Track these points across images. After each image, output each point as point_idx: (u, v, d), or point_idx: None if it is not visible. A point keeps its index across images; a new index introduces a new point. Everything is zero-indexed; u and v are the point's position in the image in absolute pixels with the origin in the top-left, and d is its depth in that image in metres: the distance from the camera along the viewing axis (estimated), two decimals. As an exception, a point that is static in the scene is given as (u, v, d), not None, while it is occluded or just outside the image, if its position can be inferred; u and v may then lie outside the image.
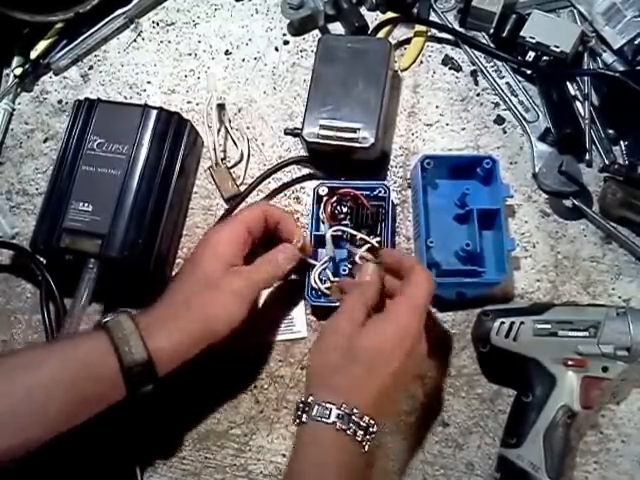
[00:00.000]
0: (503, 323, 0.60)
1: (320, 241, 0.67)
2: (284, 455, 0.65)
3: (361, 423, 0.50)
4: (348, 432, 0.50)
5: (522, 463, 0.57)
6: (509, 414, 0.62)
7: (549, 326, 0.59)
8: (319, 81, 0.71)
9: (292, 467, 0.52)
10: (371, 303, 0.56)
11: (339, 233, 0.65)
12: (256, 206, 0.66)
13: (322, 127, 0.69)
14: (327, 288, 0.65)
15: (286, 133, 0.74)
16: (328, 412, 0.50)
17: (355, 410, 0.50)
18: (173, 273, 0.71)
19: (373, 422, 0.51)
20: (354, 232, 0.65)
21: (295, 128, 0.73)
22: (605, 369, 0.58)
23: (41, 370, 0.52)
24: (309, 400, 0.52)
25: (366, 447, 0.51)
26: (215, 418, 0.67)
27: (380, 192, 0.67)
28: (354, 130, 0.68)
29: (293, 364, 0.67)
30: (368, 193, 0.67)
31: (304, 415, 0.51)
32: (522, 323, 0.60)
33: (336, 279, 0.65)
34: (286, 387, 0.67)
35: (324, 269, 0.65)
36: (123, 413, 0.57)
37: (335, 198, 0.66)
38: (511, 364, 0.61)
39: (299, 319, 0.68)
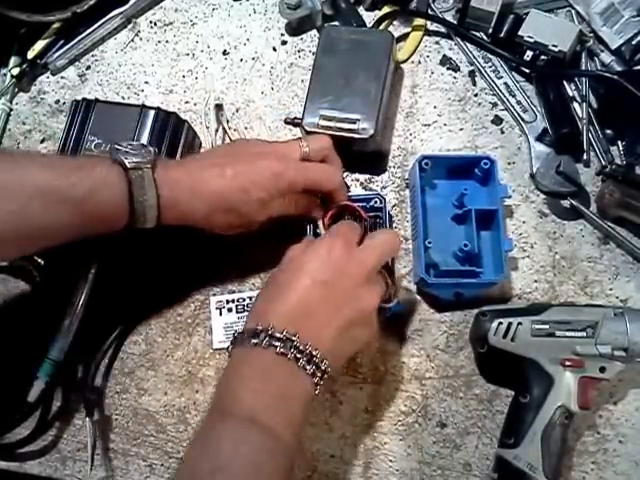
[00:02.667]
0: (501, 323, 0.60)
1: None
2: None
3: (302, 348, 0.50)
4: (289, 357, 0.49)
5: (519, 463, 0.57)
6: (507, 414, 0.62)
7: (547, 326, 0.59)
8: (320, 72, 0.71)
9: (223, 391, 0.52)
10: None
11: None
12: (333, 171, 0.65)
13: (322, 117, 0.69)
14: None
15: (286, 122, 0.74)
16: (266, 337, 0.50)
17: (298, 336, 0.50)
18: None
19: (317, 352, 0.50)
20: None
21: (295, 118, 0.73)
22: (602, 369, 0.59)
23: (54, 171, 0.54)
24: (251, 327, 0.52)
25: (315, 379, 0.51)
26: (213, 419, 0.66)
27: (376, 202, 0.66)
28: (354, 121, 0.68)
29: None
30: (364, 204, 0.66)
31: (238, 343, 0.52)
32: (520, 323, 0.60)
33: None
34: (284, 388, 0.67)
35: None
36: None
37: (331, 213, 0.66)
38: (509, 364, 0.61)
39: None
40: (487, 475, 0.62)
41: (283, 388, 0.50)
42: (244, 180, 0.58)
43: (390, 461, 0.63)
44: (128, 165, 0.55)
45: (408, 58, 0.77)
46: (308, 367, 0.50)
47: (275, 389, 0.50)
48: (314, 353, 0.50)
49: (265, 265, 0.70)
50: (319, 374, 0.51)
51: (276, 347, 0.50)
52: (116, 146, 0.57)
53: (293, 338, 0.50)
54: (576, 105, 0.72)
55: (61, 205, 0.53)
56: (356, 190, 0.72)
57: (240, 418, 0.49)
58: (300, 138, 0.64)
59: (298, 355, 0.50)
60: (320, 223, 0.65)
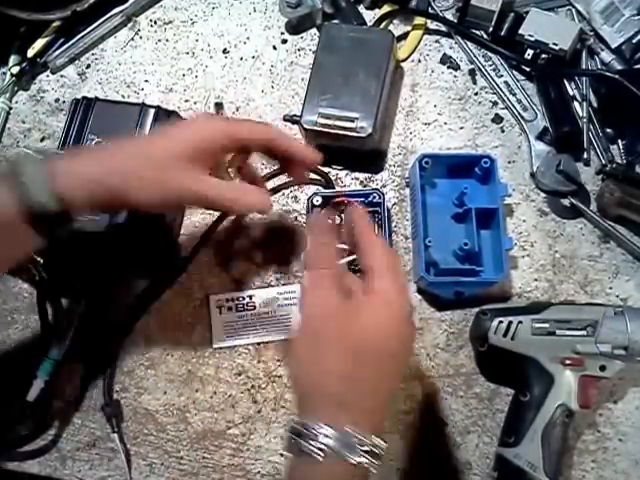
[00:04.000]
0: (501, 322, 0.60)
1: None
2: (282, 455, 0.65)
3: (374, 450, 0.44)
4: (352, 462, 0.43)
5: (520, 462, 0.57)
6: (507, 413, 0.62)
7: (547, 325, 0.59)
8: (320, 70, 0.71)
9: None
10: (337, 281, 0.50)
11: None
12: (262, 126, 0.60)
13: (321, 115, 0.69)
14: None
15: (285, 120, 0.74)
16: (330, 441, 0.43)
17: (365, 436, 0.44)
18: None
19: (383, 442, 0.45)
20: (344, 246, 0.65)
21: (294, 115, 0.73)
22: (603, 368, 0.58)
23: None
24: (313, 425, 0.44)
25: (371, 468, 0.44)
26: (213, 418, 0.67)
27: (374, 198, 0.67)
28: (352, 119, 0.68)
29: (291, 363, 0.67)
30: (363, 200, 0.67)
31: (303, 442, 0.44)
32: (520, 322, 0.60)
33: None
34: (284, 387, 0.67)
35: None
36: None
37: (329, 208, 0.66)
38: (509, 363, 0.61)
39: (297, 319, 0.68)
40: (487, 474, 0.62)
41: None
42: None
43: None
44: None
45: (408, 57, 0.77)
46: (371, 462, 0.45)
47: None
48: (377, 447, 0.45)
49: (265, 264, 0.70)
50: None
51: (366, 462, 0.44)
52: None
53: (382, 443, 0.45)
54: (576, 104, 0.72)
55: None
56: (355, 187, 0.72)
57: None
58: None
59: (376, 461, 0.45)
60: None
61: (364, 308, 0.48)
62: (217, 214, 0.72)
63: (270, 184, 0.73)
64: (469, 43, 0.75)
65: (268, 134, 0.58)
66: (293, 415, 0.62)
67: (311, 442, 0.44)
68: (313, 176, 0.73)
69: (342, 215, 0.67)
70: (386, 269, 0.49)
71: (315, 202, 0.68)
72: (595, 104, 0.71)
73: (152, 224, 0.65)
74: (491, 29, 0.75)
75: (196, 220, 0.73)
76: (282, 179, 0.73)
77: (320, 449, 0.43)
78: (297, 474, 0.46)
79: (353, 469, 0.44)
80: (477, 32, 0.75)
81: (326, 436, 0.43)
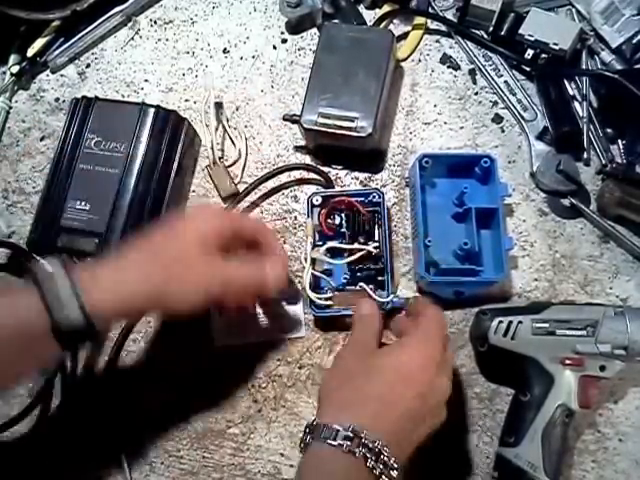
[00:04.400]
0: (501, 322, 0.60)
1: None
2: (282, 454, 0.65)
3: (370, 446, 0.47)
4: (357, 455, 0.46)
5: (520, 462, 0.57)
6: (507, 413, 0.62)
7: (547, 325, 0.59)
8: (320, 69, 0.71)
9: None
10: (378, 334, 0.57)
11: (322, 257, 0.65)
12: (249, 218, 0.65)
13: (321, 115, 0.69)
14: (327, 299, 0.65)
15: (284, 119, 0.74)
16: (334, 433, 0.47)
17: (366, 433, 0.47)
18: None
19: (387, 449, 0.47)
20: (343, 246, 0.65)
21: (294, 115, 0.73)
22: (603, 368, 0.58)
23: None
24: (316, 422, 0.50)
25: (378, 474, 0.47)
26: (213, 417, 0.66)
27: (374, 197, 0.67)
28: (352, 119, 0.68)
29: (291, 363, 0.67)
30: (362, 199, 0.67)
31: (308, 437, 0.49)
32: (520, 322, 0.60)
33: (335, 292, 0.65)
34: (284, 386, 0.67)
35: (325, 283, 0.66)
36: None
37: (329, 208, 0.67)
38: (509, 363, 0.61)
39: (297, 318, 0.68)
40: (488, 474, 0.62)
41: None
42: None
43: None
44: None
45: (408, 56, 0.77)
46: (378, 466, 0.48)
47: None
48: (388, 456, 0.48)
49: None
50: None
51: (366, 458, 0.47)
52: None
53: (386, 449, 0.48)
54: (576, 104, 0.72)
55: None
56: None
57: None
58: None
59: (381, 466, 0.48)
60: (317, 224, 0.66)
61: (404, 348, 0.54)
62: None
63: (270, 184, 0.73)
64: (469, 43, 0.75)
65: (265, 237, 0.60)
66: (293, 415, 0.62)
67: (335, 439, 0.47)
68: (313, 176, 0.73)
69: (342, 215, 0.67)
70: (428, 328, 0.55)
71: (315, 202, 0.68)
72: (595, 104, 0.71)
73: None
74: (491, 29, 0.75)
75: (196, 220, 0.73)
76: (282, 179, 0.73)
77: (341, 444, 0.47)
78: (312, 470, 0.49)
79: (342, 457, 0.47)
80: (477, 32, 0.75)
81: (343, 435, 0.47)
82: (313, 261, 0.65)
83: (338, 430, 0.47)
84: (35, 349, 0.50)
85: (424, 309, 0.57)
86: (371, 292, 0.63)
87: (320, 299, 0.64)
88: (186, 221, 0.57)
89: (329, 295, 0.65)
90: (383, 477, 0.47)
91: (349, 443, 0.47)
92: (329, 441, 0.47)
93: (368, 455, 0.47)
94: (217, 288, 0.54)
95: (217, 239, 0.55)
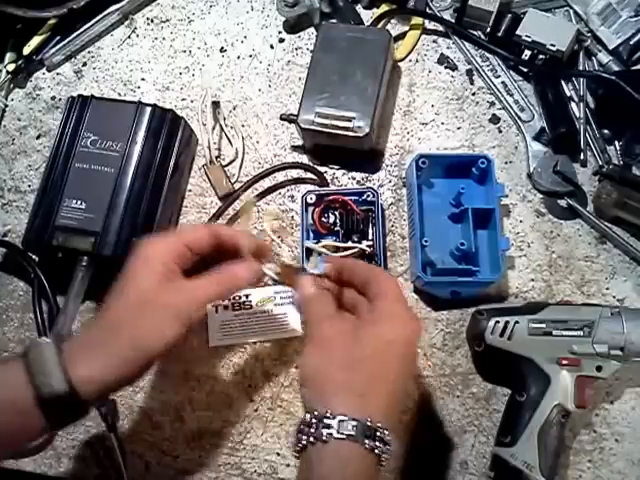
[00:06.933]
0: (498, 322, 0.60)
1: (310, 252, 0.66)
2: (278, 454, 0.64)
3: (378, 434, 0.46)
4: (367, 446, 0.45)
5: (516, 462, 0.57)
6: (503, 413, 0.62)
7: (544, 325, 0.59)
8: (317, 69, 0.71)
9: None
10: (333, 307, 0.53)
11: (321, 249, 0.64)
12: (202, 226, 0.63)
13: (318, 114, 0.69)
14: (277, 273, 0.58)
15: (282, 118, 0.74)
16: (349, 426, 0.45)
17: (369, 421, 0.46)
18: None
19: (388, 433, 0.46)
20: (336, 244, 0.65)
21: (291, 114, 0.73)
22: (599, 368, 0.59)
23: None
24: (326, 414, 0.46)
25: (383, 461, 0.46)
26: (209, 417, 0.66)
27: (369, 196, 0.67)
28: (349, 119, 0.68)
29: (287, 363, 0.67)
30: (357, 198, 0.67)
31: (319, 432, 0.46)
32: (517, 322, 0.60)
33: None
34: (280, 386, 0.66)
35: None
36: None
37: (323, 207, 0.66)
38: (506, 363, 0.61)
39: (293, 318, 0.68)
40: (484, 473, 0.62)
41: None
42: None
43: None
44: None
45: (406, 56, 0.77)
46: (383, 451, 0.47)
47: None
48: (390, 440, 0.47)
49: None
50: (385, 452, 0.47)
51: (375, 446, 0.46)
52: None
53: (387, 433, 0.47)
54: (573, 105, 0.72)
55: None
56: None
57: None
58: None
59: (385, 449, 0.47)
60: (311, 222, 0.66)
61: (375, 317, 0.50)
62: (213, 212, 0.72)
63: (267, 182, 0.73)
64: (466, 43, 0.76)
65: (232, 238, 0.57)
66: (289, 414, 0.62)
67: (327, 429, 0.46)
68: (310, 175, 0.73)
69: (336, 213, 0.67)
70: (393, 293, 0.51)
71: (309, 200, 0.67)
72: (592, 105, 0.72)
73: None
74: (489, 30, 0.75)
75: (192, 218, 0.73)
76: (278, 178, 0.73)
77: (335, 433, 0.45)
78: (310, 464, 0.47)
79: (367, 454, 0.45)
80: (475, 32, 0.75)
81: (342, 422, 0.45)
82: (309, 254, 0.65)
83: (351, 423, 0.46)
84: (21, 421, 0.48)
85: (373, 274, 0.54)
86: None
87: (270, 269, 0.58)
88: (136, 262, 0.53)
89: (278, 269, 0.58)
90: (383, 456, 0.46)
91: (362, 435, 0.45)
92: (346, 433, 0.45)
93: (377, 444, 0.46)
94: (190, 313, 0.52)
95: (176, 261, 0.53)
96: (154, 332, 0.50)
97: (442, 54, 0.77)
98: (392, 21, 0.79)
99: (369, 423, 0.46)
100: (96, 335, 0.51)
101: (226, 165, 0.75)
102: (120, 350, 0.49)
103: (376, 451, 0.46)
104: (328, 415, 0.46)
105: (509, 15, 0.74)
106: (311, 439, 0.46)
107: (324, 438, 0.45)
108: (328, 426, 0.46)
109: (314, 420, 0.47)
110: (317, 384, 0.49)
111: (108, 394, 0.51)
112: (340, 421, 0.45)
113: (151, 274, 0.52)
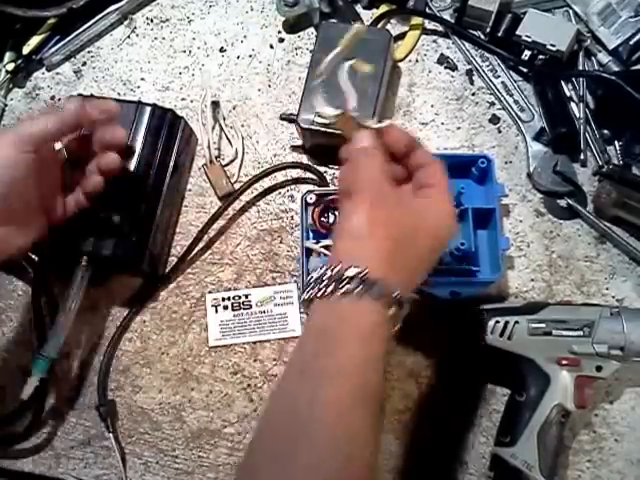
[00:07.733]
0: (498, 322, 0.60)
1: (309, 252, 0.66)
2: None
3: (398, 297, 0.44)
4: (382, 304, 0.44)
5: (516, 462, 0.57)
6: (503, 413, 0.62)
7: (543, 325, 0.59)
8: (317, 69, 0.70)
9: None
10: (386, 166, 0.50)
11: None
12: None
13: (318, 114, 0.68)
14: (336, 116, 0.55)
15: (282, 118, 0.74)
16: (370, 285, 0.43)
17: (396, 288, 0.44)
18: (166, 271, 0.71)
19: (407, 297, 0.45)
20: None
21: (291, 114, 0.73)
22: (599, 368, 0.59)
23: None
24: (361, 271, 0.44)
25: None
26: (208, 417, 0.66)
27: None
28: None
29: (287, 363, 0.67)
30: None
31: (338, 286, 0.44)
32: (517, 322, 0.60)
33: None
34: (280, 386, 0.66)
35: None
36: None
37: (322, 206, 0.66)
38: (505, 363, 0.61)
39: (293, 318, 0.68)
40: (483, 473, 0.62)
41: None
42: None
43: (385, 459, 0.63)
44: None
45: (405, 56, 0.77)
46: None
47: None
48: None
49: (261, 263, 0.70)
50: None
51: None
52: None
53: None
54: (573, 105, 0.72)
55: None
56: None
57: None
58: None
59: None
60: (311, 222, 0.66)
61: (427, 194, 0.49)
62: (213, 212, 0.72)
63: (267, 182, 0.73)
64: (466, 43, 0.76)
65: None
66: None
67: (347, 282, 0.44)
68: (310, 175, 0.73)
69: (336, 213, 0.67)
70: (446, 186, 0.50)
71: (309, 200, 0.67)
72: (592, 105, 0.72)
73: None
74: (488, 30, 0.75)
75: (191, 218, 0.73)
76: (278, 178, 0.73)
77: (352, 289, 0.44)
78: (322, 317, 0.45)
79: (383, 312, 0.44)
80: (474, 32, 0.75)
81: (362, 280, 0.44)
82: (309, 254, 0.65)
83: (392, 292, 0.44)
84: None
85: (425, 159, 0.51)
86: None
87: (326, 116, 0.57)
88: None
89: (338, 112, 0.57)
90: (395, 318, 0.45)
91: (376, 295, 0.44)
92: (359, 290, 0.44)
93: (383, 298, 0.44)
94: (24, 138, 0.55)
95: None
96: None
97: (442, 54, 0.77)
98: (392, 21, 0.79)
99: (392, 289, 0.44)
100: None
101: (226, 165, 0.74)
102: None
103: (390, 312, 0.44)
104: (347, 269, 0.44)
105: (509, 15, 0.74)
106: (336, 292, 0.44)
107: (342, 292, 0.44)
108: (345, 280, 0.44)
109: (337, 274, 0.44)
110: (360, 237, 0.47)
111: None
112: (358, 275, 0.44)
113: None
